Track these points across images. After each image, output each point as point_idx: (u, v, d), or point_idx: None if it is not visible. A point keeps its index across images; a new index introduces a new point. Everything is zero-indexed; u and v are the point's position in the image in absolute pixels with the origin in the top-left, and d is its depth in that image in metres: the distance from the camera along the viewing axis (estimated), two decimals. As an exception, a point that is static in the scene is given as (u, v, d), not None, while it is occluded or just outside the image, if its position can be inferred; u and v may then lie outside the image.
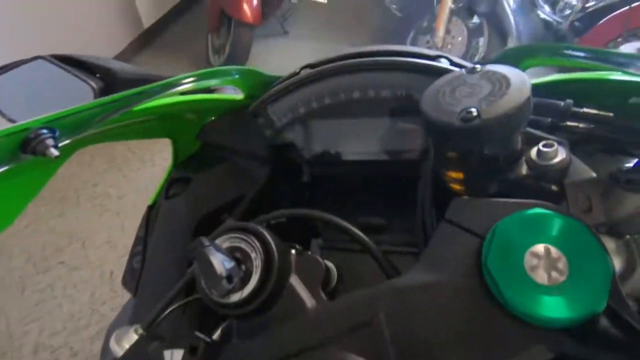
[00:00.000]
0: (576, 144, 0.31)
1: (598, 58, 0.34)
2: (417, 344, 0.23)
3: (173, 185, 0.49)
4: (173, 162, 0.52)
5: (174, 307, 0.31)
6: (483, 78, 0.30)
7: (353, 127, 0.43)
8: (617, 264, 0.27)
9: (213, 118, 0.48)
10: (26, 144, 0.28)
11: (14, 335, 1.36)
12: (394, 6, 2.53)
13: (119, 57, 2.40)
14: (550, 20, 2.14)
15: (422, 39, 2.34)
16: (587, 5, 2.00)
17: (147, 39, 2.65)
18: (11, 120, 0.39)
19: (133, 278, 0.41)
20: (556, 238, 0.23)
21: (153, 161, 1.93)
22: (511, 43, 2.09)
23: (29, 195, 0.33)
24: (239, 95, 0.47)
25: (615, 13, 1.73)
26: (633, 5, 1.65)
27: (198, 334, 0.27)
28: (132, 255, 0.44)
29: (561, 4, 2.14)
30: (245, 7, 2.08)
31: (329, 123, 0.44)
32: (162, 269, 0.39)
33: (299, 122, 0.44)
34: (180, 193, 0.47)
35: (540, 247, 0.23)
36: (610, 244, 0.27)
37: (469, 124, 0.27)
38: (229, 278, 0.25)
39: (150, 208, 0.48)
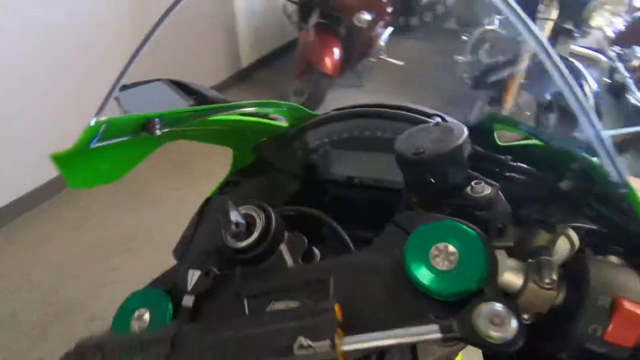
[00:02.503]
0: (510, 188, 0.41)
1: (537, 133, 0.44)
2: (352, 302, 0.33)
3: (227, 185, 0.64)
4: (232, 168, 0.67)
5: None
6: (439, 129, 0.42)
7: (361, 157, 0.56)
8: (517, 280, 0.34)
9: (265, 139, 0.64)
10: (144, 126, 0.44)
11: (82, 299, 1.61)
12: (466, 75, 2.66)
13: (215, 87, 2.81)
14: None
15: (489, 110, 2.41)
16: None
17: (241, 76, 3.06)
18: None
19: (181, 250, 0.51)
20: (454, 240, 0.33)
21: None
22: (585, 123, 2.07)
23: (137, 161, 0.50)
24: (285, 124, 0.62)
25: None
26: None
27: (212, 267, 0.40)
28: (184, 236, 0.53)
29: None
30: (328, 61, 2.37)
31: (344, 153, 0.57)
32: (204, 244, 0.49)
33: (323, 148, 0.58)
34: (229, 192, 0.61)
35: (442, 244, 0.33)
36: (513, 263, 0.34)
37: (416, 157, 0.39)
38: (237, 225, 0.37)
39: (207, 201, 0.58)
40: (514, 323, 0.27)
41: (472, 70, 2.60)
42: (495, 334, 0.27)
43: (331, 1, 2.37)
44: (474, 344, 0.28)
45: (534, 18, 2.15)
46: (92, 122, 0.39)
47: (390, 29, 2.76)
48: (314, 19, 2.40)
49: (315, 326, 0.28)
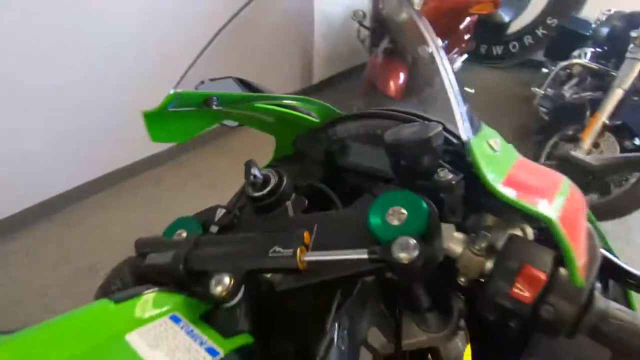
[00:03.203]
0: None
1: None
2: (327, 241, 0.42)
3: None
4: (273, 156, 0.77)
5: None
6: (420, 125, 0.48)
7: (370, 151, 0.63)
8: (458, 248, 0.39)
9: (301, 132, 0.73)
10: (205, 102, 0.57)
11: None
12: (543, 109, 2.49)
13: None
14: None
15: (564, 147, 2.22)
16: None
17: (310, 91, 3.22)
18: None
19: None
20: (407, 205, 0.39)
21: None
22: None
23: (199, 129, 0.63)
24: (317, 119, 0.71)
25: None
26: None
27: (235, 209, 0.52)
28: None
29: None
30: (392, 84, 2.39)
31: (359, 146, 0.65)
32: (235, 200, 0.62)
33: (342, 141, 0.67)
34: None
35: (397, 207, 0.39)
36: (458, 235, 0.40)
37: (393, 142, 0.46)
38: (255, 177, 0.47)
39: None
40: (418, 249, 0.35)
41: (550, 104, 2.43)
42: (402, 255, 0.35)
43: (404, 27, 2.39)
44: (389, 264, 0.36)
45: (623, 57, 1.97)
46: (171, 91, 0.54)
47: (464, 57, 2.70)
48: (384, 44, 2.46)
49: (287, 240, 0.39)
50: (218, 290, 0.36)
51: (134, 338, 0.31)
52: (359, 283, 0.47)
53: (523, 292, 0.33)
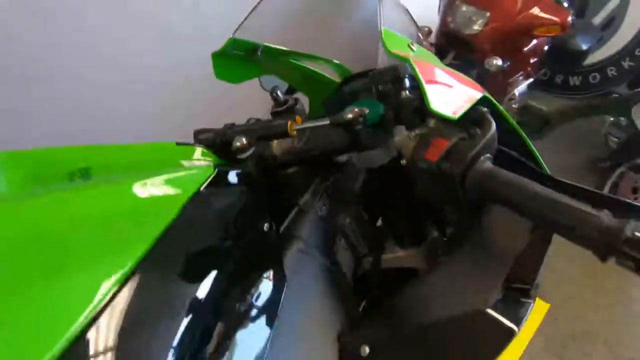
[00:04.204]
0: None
1: None
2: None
3: None
4: (308, 115, 0.86)
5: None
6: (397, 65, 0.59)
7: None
8: (402, 137, 0.51)
9: (328, 92, 0.82)
10: (253, 50, 0.74)
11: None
12: (614, 138, 2.36)
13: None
14: None
15: (631, 178, 2.10)
16: None
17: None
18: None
19: None
20: (372, 105, 0.52)
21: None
22: None
23: (249, 76, 0.79)
24: (337, 80, 0.82)
25: None
26: None
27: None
28: None
29: None
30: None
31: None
32: None
33: (351, 96, 0.75)
34: None
35: (356, 108, 0.52)
36: (402, 130, 0.52)
37: (375, 73, 0.59)
38: (275, 92, 0.63)
39: None
40: (362, 113, 0.51)
41: (621, 132, 2.30)
42: (349, 115, 0.51)
43: (469, 43, 2.46)
44: (343, 125, 0.50)
45: None
46: (230, 36, 0.71)
47: (529, 80, 2.67)
48: (448, 59, 2.54)
49: (284, 120, 0.53)
50: (237, 144, 0.50)
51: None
52: (340, 173, 0.61)
53: (432, 154, 0.45)
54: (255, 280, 0.42)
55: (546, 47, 2.49)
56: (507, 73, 2.46)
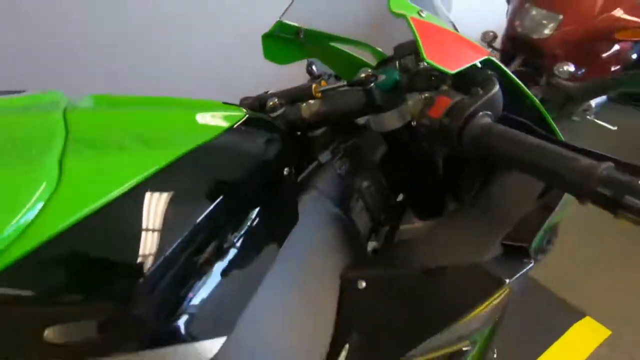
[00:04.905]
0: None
1: None
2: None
3: None
4: None
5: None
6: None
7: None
8: (413, 101, 0.54)
9: None
10: (295, 33, 0.77)
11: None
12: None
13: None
14: None
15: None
16: None
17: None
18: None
19: None
20: (390, 74, 0.55)
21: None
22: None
23: (294, 59, 0.82)
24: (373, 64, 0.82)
25: None
26: None
27: None
28: None
29: None
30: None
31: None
32: None
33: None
34: None
35: (370, 69, 0.54)
36: (415, 94, 0.54)
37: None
38: (311, 68, 0.73)
39: None
40: (373, 76, 0.54)
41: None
42: (362, 75, 0.53)
43: (539, 48, 2.31)
44: (360, 83, 0.53)
45: None
46: (277, 19, 0.76)
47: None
48: (514, 66, 2.40)
49: (310, 84, 0.60)
50: (270, 104, 0.57)
51: None
52: (361, 137, 0.63)
53: (435, 111, 0.47)
54: (266, 212, 0.45)
55: (635, 55, 2.25)
56: (580, 81, 2.27)
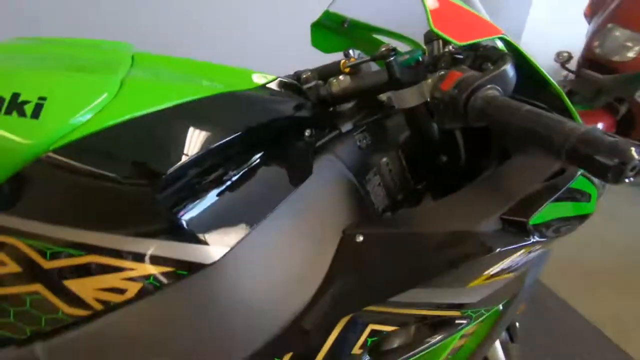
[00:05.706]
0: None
1: None
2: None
3: None
4: None
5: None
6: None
7: None
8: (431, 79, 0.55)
9: None
10: (341, 22, 0.80)
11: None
12: None
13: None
14: None
15: None
16: None
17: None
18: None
19: None
20: (414, 53, 0.56)
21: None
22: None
23: (339, 48, 0.82)
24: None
25: None
26: None
27: None
28: None
29: None
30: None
31: None
32: None
33: None
34: None
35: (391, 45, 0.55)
36: (433, 76, 0.55)
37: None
38: (348, 53, 0.70)
39: None
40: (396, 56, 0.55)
41: None
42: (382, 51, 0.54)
43: (618, 72, 2.12)
44: (381, 57, 0.54)
45: None
46: (325, 8, 0.79)
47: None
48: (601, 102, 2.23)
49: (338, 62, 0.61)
50: (303, 77, 0.61)
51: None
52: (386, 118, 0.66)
53: (446, 85, 0.49)
54: (283, 156, 0.50)
55: None
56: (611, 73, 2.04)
